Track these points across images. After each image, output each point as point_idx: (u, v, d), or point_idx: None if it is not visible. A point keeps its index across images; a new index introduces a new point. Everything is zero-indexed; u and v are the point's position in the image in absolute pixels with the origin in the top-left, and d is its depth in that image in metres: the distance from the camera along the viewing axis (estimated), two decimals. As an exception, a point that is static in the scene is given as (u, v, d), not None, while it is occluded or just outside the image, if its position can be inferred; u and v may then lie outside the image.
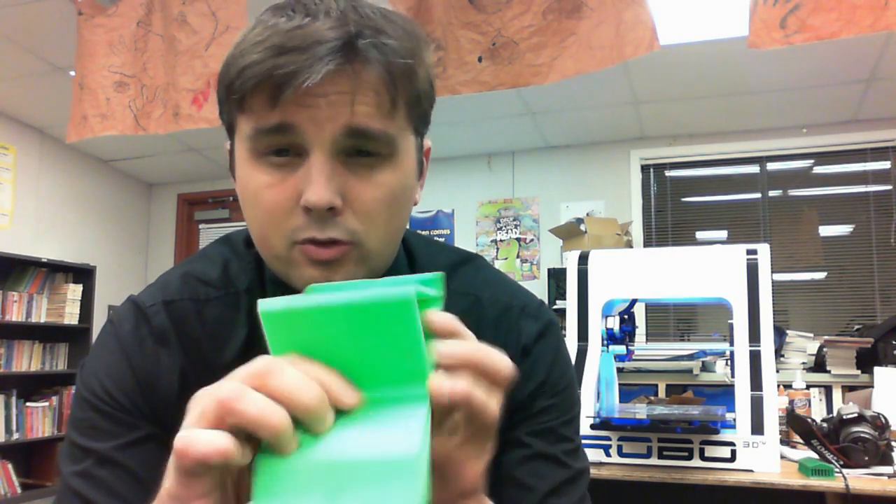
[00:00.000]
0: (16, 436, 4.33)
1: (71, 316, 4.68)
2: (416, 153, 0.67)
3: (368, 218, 0.61)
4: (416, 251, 0.75)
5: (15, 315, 4.41)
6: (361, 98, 0.59)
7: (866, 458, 1.68)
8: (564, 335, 2.08)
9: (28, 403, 4.47)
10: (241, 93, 0.59)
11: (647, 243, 4.69)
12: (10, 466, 4.29)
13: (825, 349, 2.89)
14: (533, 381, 0.71)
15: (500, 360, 0.45)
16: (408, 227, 0.72)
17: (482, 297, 0.73)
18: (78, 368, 0.71)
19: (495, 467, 0.72)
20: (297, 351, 0.42)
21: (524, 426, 0.71)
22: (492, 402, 0.45)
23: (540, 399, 0.71)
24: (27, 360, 4.51)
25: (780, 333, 2.96)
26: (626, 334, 1.94)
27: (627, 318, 1.96)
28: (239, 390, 0.40)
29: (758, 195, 4.59)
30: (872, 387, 2.28)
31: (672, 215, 4.75)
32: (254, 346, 0.68)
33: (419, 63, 0.62)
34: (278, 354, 0.42)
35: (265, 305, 0.42)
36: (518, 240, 4.97)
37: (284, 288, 0.67)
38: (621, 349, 1.92)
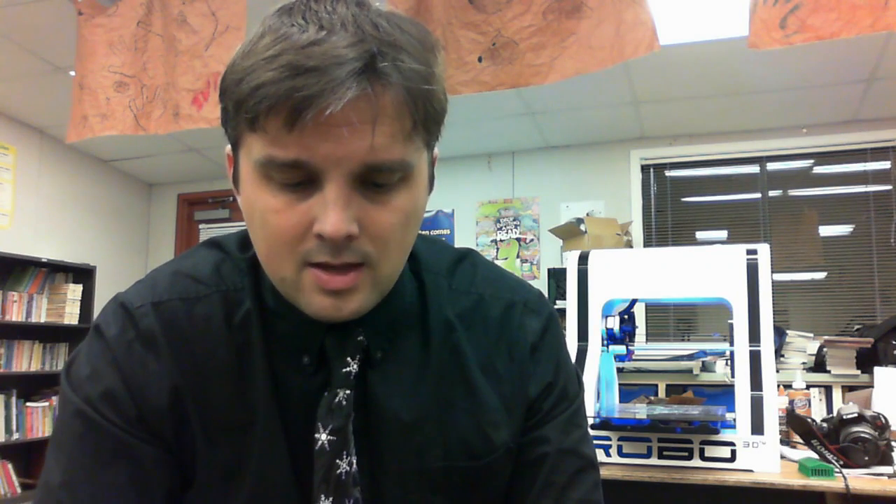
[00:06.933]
0: (16, 436, 4.32)
1: (71, 316, 4.68)
2: (428, 168, 0.66)
3: (383, 241, 0.60)
4: (417, 251, 0.74)
5: (15, 315, 4.40)
6: (381, 126, 0.56)
7: (866, 458, 1.68)
8: (564, 331, 2.08)
9: (28, 403, 4.46)
10: (254, 113, 0.55)
11: (647, 243, 4.69)
12: (10, 466, 4.29)
13: (825, 349, 2.89)
14: (544, 378, 0.73)
15: None
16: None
17: (484, 295, 0.74)
18: (63, 371, 0.68)
19: (516, 467, 0.72)
20: None
21: (541, 423, 0.73)
22: None
23: (552, 394, 0.73)
24: (27, 360, 4.51)
25: (780, 333, 2.96)
26: (626, 334, 1.94)
27: (627, 318, 1.96)
28: None
29: (758, 195, 4.59)
30: (872, 387, 2.28)
31: (672, 215, 4.74)
32: (247, 355, 0.66)
33: (436, 81, 0.60)
34: None
35: None
36: (518, 240, 4.96)
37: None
38: (621, 349, 1.92)
